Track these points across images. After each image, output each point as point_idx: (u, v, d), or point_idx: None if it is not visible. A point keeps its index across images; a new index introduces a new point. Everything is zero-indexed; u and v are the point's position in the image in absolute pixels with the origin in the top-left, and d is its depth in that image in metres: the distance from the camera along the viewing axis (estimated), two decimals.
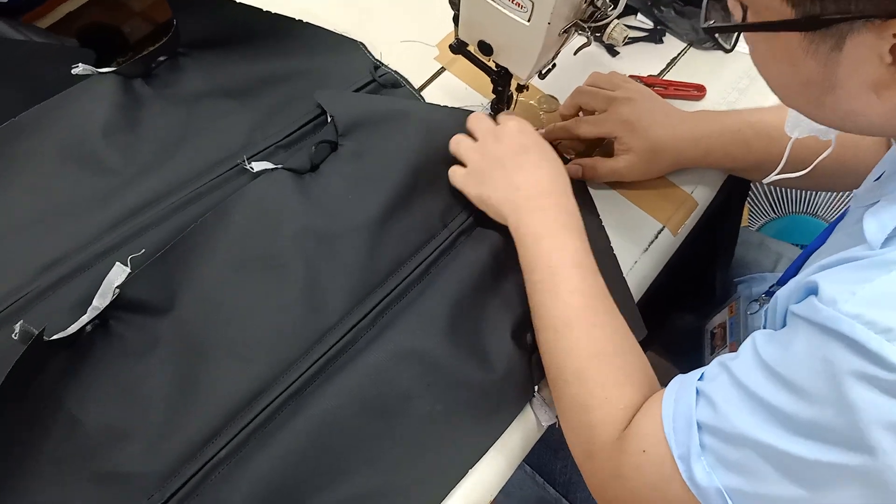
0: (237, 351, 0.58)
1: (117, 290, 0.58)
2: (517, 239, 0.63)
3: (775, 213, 1.38)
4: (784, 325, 0.46)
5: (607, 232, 0.71)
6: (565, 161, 0.75)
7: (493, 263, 0.65)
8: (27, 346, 0.52)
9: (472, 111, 0.72)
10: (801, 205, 1.36)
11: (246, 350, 0.58)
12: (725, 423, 0.43)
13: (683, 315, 0.92)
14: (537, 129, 0.75)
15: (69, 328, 0.56)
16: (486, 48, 0.65)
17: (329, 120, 0.73)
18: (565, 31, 0.63)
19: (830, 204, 1.35)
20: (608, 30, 0.63)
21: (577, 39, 0.65)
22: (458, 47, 0.70)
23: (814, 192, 1.35)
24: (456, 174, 0.68)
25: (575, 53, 0.68)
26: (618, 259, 0.69)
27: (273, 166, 0.68)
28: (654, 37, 0.88)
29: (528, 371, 0.62)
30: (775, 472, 0.41)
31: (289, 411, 0.56)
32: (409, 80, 0.80)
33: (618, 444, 0.51)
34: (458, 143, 0.68)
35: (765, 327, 0.53)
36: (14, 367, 0.50)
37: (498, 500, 0.59)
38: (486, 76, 0.73)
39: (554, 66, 0.69)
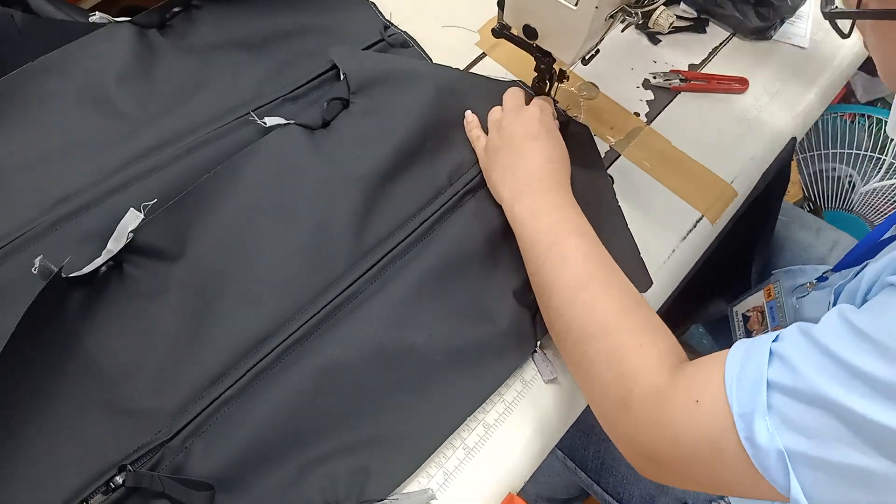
0: (246, 296, 0.60)
1: (131, 235, 0.60)
2: (512, 220, 0.64)
3: (811, 208, 1.36)
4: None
5: (645, 219, 0.71)
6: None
7: (498, 222, 0.66)
8: (47, 281, 0.54)
9: (500, 80, 0.72)
10: (838, 201, 1.34)
11: (254, 296, 0.60)
12: (803, 384, 0.41)
13: (717, 301, 0.92)
14: (576, 116, 0.75)
15: (85, 268, 0.58)
16: (530, 32, 0.66)
17: (342, 77, 0.74)
18: (611, 17, 0.63)
19: (866, 200, 1.34)
20: (654, 16, 0.63)
21: (621, 28, 0.65)
22: (501, 31, 0.70)
23: (850, 188, 1.34)
24: (479, 144, 0.70)
25: (622, 31, 0.68)
26: (653, 246, 0.70)
27: (286, 121, 0.70)
28: (698, 26, 0.87)
29: (530, 327, 0.63)
30: (853, 437, 0.39)
31: (294, 355, 0.58)
32: (451, 65, 0.80)
33: (662, 390, 0.50)
34: (492, 115, 0.71)
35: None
36: (34, 302, 0.52)
37: (525, 487, 0.60)
38: (527, 62, 0.73)
39: (598, 52, 0.69)
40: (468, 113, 0.72)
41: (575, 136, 0.73)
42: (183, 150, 0.68)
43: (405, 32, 0.82)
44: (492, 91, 0.74)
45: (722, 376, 0.46)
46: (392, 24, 0.82)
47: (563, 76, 0.73)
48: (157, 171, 0.66)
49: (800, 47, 0.87)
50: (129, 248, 0.61)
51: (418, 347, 0.59)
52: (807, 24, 0.88)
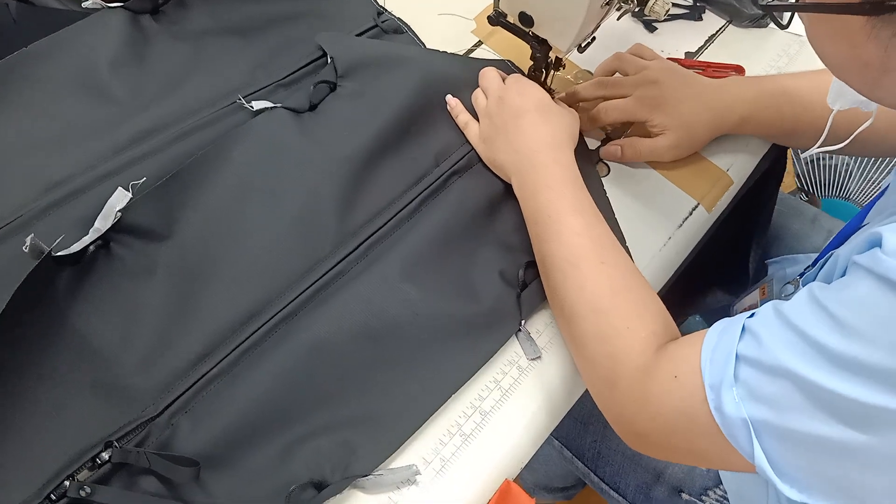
0: (233, 275, 0.61)
1: (119, 214, 0.61)
2: (519, 197, 0.65)
3: (807, 196, 1.37)
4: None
5: (641, 208, 0.71)
6: (605, 140, 0.75)
7: (485, 203, 0.67)
8: (38, 260, 0.54)
9: (483, 60, 0.73)
10: (834, 189, 1.34)
11: (241, 275, 0.61)
12: (767, 356, 0.43)
13: (715, 292, 0.92)
14: (576, 106, 0.75)
15: (73, 246, 0.59)
16: (526, 19, 0.65)
17: (329, 61, 0.74)
18: (608, 3, 0.63)
19: (863, 188, 1.34)
20: (650, 3, 0.63)
21: (617, 15, 0.65)
22: (497, 18, 0.70)
23: (846, 177, 1.34)
24: (471, 133, 0.71)
25: (618, 19, 0.68)
26: (649, 234, 0.70)
27: (273, 105, 0.70)
28: (694, 13, 0.87)
29: (515, 307, 0.63)
30: (812, 407, 0.41)
31: (281, 333, 0.59)
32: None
33: (646, 369, 0.52)
34: (476, 101, 0.72)
35: None
36: (24, 280, 0.53)
37: (522, 476, 0.60)
38: (523, 50, 0.72)
39: (594, 39, 0.69)
40: (450, 98, 0.73)
41: None
42: (175, 136, 0.68)
43: (399, 18, 0.82)
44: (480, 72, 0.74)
45: (699, 349, 0.48)
46: (385, 10, 0.82)
47: (559, 64, 0.73)
48: (149, 156, 0.67)
49: (796, 34, 0.87)
50: (116, 228, 0.61)
51: (403, 325, 0.60)
52: None
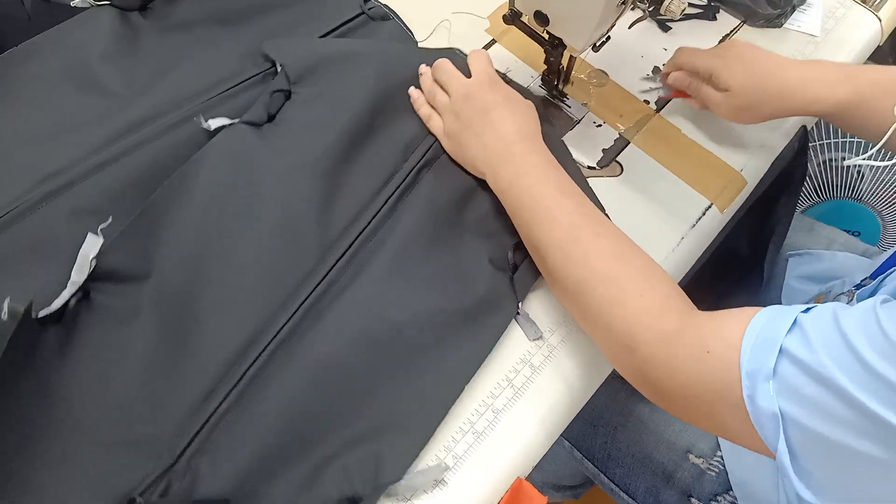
0: (222, 304, 0.59)
1: (94, 262, 0.59)
2: (497, 191, 0.64)
3: (819, 197, 1.36)
4: None
5: (654, 207, 0.71)
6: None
7: (460, 193, 0.67)
8: (16, 324, 0.52)
9: (435, 50, 0.73)
10: (847, 190, 1.34)
11: (231, 302, 0.59)
12: (813, 360, 0.42)
13: (732, 293, 0.92)
14: (585, 104, 0.75)
15: (53, 304, 0.57)
16: (542, 18, 0.65)
17: (280, 69, 0.73)
18: (623, 3, 0.62)
19: (875, 190, 1.33)
20: (666, 2, 0.63)
21: (631, 15, 0.65)
22: (512, 17, 0.70)
23: (859, 178, 1.33)
24: (434, 127, 0.70)
25: (630, 27, 0.68)
26: (662, 234, 0.70)
27: (230, 121, 0.69)
28: (709, 13, 0.87)
29: (510, 290, 0.63)
30: (849, 421, 0.40)
31: (283, 356, 0.57)
32: (460, 51, 0.80)
33: (670, 334, 0.51)
34: (434, 98, 0.70)
35: None
36: (6, 351, 0.51)
37: (531, 475, 0.60)
38: (537, 48, 0.73)
39: (608, 38, 0.69)
40: (412, 90, 0.72)
41: None
42: (166, 126, 0.68)
43: (386, 5, 0.81)
44: (432, 61, 0.73)
45: (740, 330, 0.47)
46: None
47: (573, 60, 0.73)
48: (140, 146, 0.67)
49: (810, 35, 0.86)
50: (93, 276, 0.59)
51: (403, 327, 0.59)
52: (818, 11, 0.88)
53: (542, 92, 0.78)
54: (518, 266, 0.64)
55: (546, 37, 0.70)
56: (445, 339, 0.60)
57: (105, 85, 0.71)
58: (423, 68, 0.73)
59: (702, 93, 0.72)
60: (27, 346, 0.55)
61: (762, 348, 0.45)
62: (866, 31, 0.87)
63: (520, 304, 0.63)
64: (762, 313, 0.48)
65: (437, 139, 0.70)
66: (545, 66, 0.75)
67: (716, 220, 0.73)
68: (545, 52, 0.72)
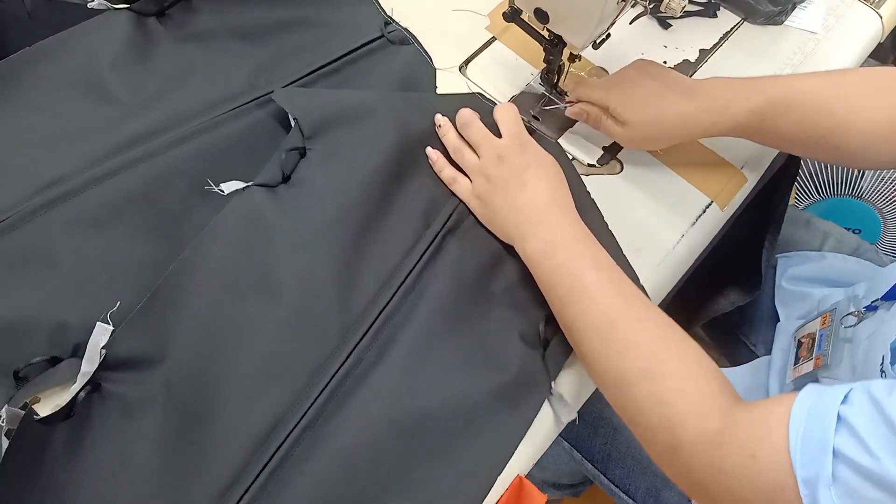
0: (241, 389, 0.56)
1: (104, 352, 0.56)
2: (526, 259, 0.62)
3: (820, 195, 1.36)
4: None
5: (654, 205, 0.71)
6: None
7: (486, 261, 0.64)
8: (17, 427, 0.50)
9: (452, 97, 0.70)
10: (847, 187, 1.34)
11: (249, 387, 0.56)
12: (870, 463, 0.41)
13: (728, 292, 0.92)
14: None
15: (62, 398, 0.54)
16: (542, 15, 0.65)
17: (294, 123, 0.69)
18: (623, 0, 0.62)
19: (875, 187, 1.33)
20: (666, 0, 0.63)
21: (632, 12, 0.64)
22: (512, 15, 0.70)
23: (859, 175, 1.33)
24: (461, 189, 0.67)
25: (631, 23, 0.68)
26: (662, 232, 0.70)
27: (244, 184, 0.65)
28: (709, 10, 0.87)
29: (542, 369, 0.60)
30: None
31: (306, 445, 0.55)
32: (460, 49, 0.80)
33: (715, 437, 0.49)
34: (462, 157, 0.68)
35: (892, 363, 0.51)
36: (8, 451, 0.49)
37: (532, 473, 0.60)
38: (538, 46, 0.72)
39: (609, 36, 0.69)
40: (430, 151, 0.69)
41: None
42: (173, 140, 0.67)
43: (406, 29, 0.80)
44: (452, 111, 0.70)
45: (783, 432, 0.45)
46: (393, 20, 0.81)
47: (574, 57, 0.72)
48: (145, 159, 0.65)
49: (811, 32, 0.86)
50: (104, 366, 0.56)
51: (434, 412, 0.56)
52: (819, 8, 0.88)
53: (542, 89, 0.78)
54: (549, 342, 0.61)
55: (546, 34, 0.70)
56: (478, 425, 0.57)
57: (113, 93, 0.70)
58: (442, 120, 0.70)
59: (602, 126, 0.70)
60: (32, 448, 0.52)
61: (814, 453, 0.43)
62: (867, 28, 0.87)
63: (553, 384, 0.60)
64: (796, 412, 0.46)
65: (460, 202, 0.67)
66: (545, 64, 0.75)
67: (716, 218, 0.73)
68: (545, 49, 0.72)
